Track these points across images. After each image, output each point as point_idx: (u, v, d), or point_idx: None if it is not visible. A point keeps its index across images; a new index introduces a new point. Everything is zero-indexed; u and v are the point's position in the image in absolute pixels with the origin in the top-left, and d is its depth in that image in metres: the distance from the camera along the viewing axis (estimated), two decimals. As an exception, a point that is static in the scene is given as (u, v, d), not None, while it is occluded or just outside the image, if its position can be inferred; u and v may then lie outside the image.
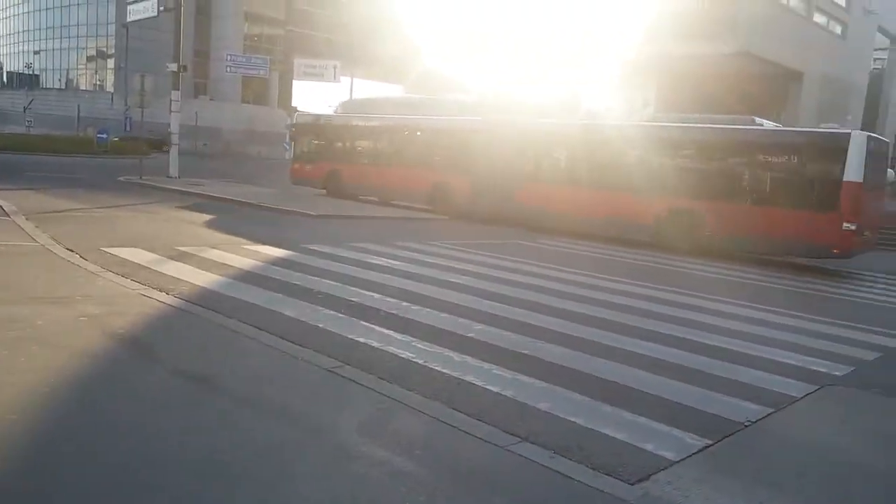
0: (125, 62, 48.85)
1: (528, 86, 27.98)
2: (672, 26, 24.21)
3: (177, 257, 9.10)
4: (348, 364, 5.09)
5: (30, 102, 52.69)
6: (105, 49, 66.85)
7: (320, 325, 6.23)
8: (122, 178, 21.79)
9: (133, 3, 25.05)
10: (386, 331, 6.20)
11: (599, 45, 25.66)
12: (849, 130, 13.37)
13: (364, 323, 6.43)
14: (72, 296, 6.38)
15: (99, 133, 35.22)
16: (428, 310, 7.15)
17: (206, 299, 6.83)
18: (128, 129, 33.96)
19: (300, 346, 5.47)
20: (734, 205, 14.00)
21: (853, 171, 12.70)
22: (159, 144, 25.72)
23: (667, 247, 14.84)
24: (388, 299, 7.50)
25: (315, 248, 11.16)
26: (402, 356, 5.52)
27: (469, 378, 5.09)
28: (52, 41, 71.62)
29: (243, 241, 11.23)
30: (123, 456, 3.41)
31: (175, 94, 22.96)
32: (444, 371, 5.22)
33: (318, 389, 4.58)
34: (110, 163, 29.62)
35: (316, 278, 8.38)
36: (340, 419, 4.10)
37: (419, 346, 5.82)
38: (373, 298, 7.50)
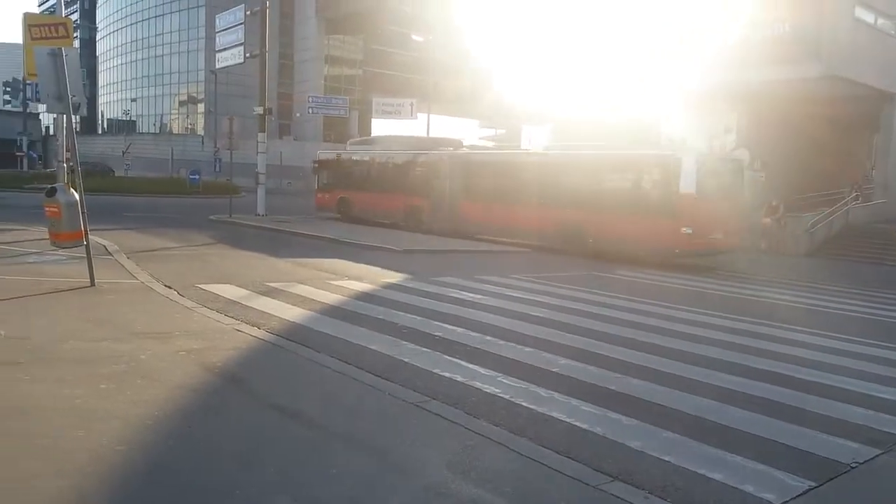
0: (214, 106, 51.28)
1: (604, 112, 27.83)
2: (753, 51, 23.64)
3: (266, 293, 9.42)
4: (434, 399, 5.12)
5: (128, 147, 55.75)
6: (196, 95, 70.52)
7: (405, 360, 6.29)
8: (213, 217, 22.75)
9: (221, 51, 26.37)
10: (470, 365, 6.21)
11: (677, 70, 25.31)
12: (682, 153, 15.93)
13: (448, 357, 6.46)
14: (171, 331, 6.68)
15: (191, 175, 36.80)
16: (512, 344, 7.13)
17: (295, 334, 7.03)
18: (217, 169, 35.42)
19: (386, 380, 5.54)
20: (606, 216, 16.73)
21: (686, 184, 15.41)
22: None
23: (561, 251, 17.64)
24: (472, 333, 7.52)
25: (398, 282, 11.33)
26: (488, 391, 5.51)
27: (556, 414, 5.03)
28: (147, 89, 76.07)
29: (328, 275, 11.51)
30: (224, 490, 3.51)
31: (261, 136, 23.89)
32: (531, 407, 5.17)
33: (405, 424, 4.61)
34: (202, 202, 30.97)
35: (400, 312, 8.49)
36: (429, 455, 4.11)
37: (504, 381, 5.80)
38: (456, 333, 7.54)
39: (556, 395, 5.48)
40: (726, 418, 5.14)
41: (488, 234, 19.90)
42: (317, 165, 26.56)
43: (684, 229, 15.39)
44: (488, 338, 7.35)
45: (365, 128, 63.50)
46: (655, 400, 5.49)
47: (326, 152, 27.30)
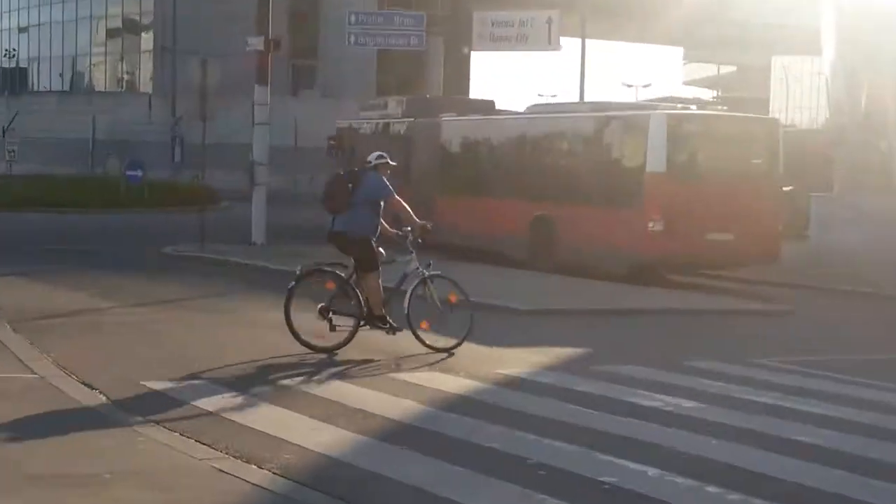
0: (171, 39, 53.13)
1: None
2: None
3: (272, 396, 9.69)
4: None
5: (12, 120, 56.65)
6: (136, 18, 73.07)
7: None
8: (168, 250, 23.56)
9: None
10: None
11: None
12: (649, 112, 21.59)
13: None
14: (97, 473, 6.89)
15: (128, 169, 37.75)
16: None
17: (326, 479, 7.17)
18: (178, 158, 36.55)
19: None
20: (572, 209, 22.19)
21: (654, 159, 20.05)
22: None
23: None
24: (679, 480, 7.46)
25: (526, 374, 11.46)
26: None
27: None
28: (46, 8, 78.97)
29: (390, 359, 11.86)
30: None
31: (260, 92, 24.49)
32: None
33: None
34: (149, 221, 31.97)
35: (531, 435, 8.51)
36: None
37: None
38: (647, 477, 7.50)
39: None
40: None
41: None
42: (333, 144, 32.60)
43: (651, 224, 19.59)
44: (712, 489, 7.28)
45: (458, 70, 63.96)
46: None
47: (346, 122, 33.71)
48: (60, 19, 78.10)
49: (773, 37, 55.46)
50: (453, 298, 12.90)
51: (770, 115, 24.18)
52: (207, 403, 9.25)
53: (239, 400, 9.48)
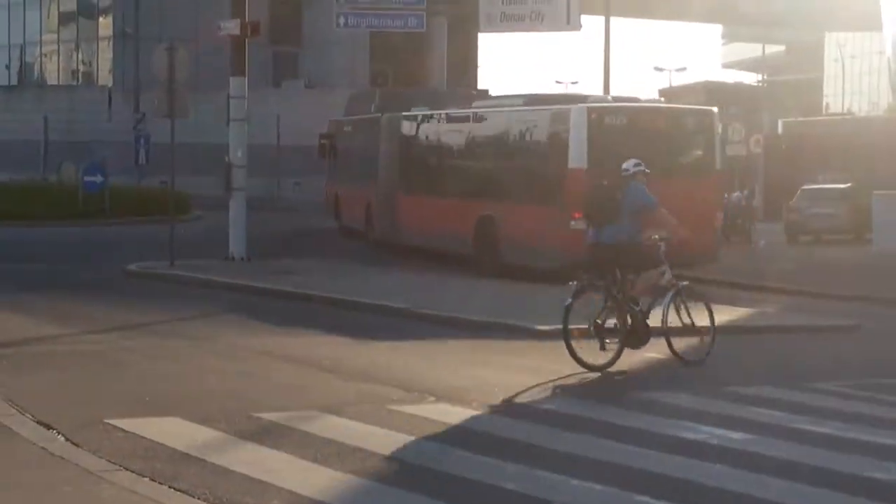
0: (134, 24, 53.10)
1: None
2: None
3: (257, 435, 9.64)
4: None
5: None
6: (94, 0, 72.94)
7: None
8: (133, 267, 23.60)
9: None
10: None
11: None
12: (570, 105, 25.09)
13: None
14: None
15: (86, 175, 37.61)
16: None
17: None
18: (142, 159, 36.43)
19: None
20: (511, 207, 25.82)
21: (575, 154, 23.38)
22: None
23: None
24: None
25: (550, 404, 11.51)
26: None
27: None
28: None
29: (390, 390, 11.83)
30: None
31: (237, 84, 24.47)
32: None
33: None
34: (109, 235, 31.85)
35: (552, 474, 8.47)
36: None
37: None
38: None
39: None
40: None
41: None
42: (325, 144, 35.48)
43: (573, 223, 20.97)
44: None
45: (465, 54, 63.88)
46: None
47: (341, 120, 36.52)
48: (5, 2, 77.87)
49: (826, 11, 55.39)
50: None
51: (709, 107, 26.20)
52: (181, 443, 9.19)
53: (219, 439, 9.45)
